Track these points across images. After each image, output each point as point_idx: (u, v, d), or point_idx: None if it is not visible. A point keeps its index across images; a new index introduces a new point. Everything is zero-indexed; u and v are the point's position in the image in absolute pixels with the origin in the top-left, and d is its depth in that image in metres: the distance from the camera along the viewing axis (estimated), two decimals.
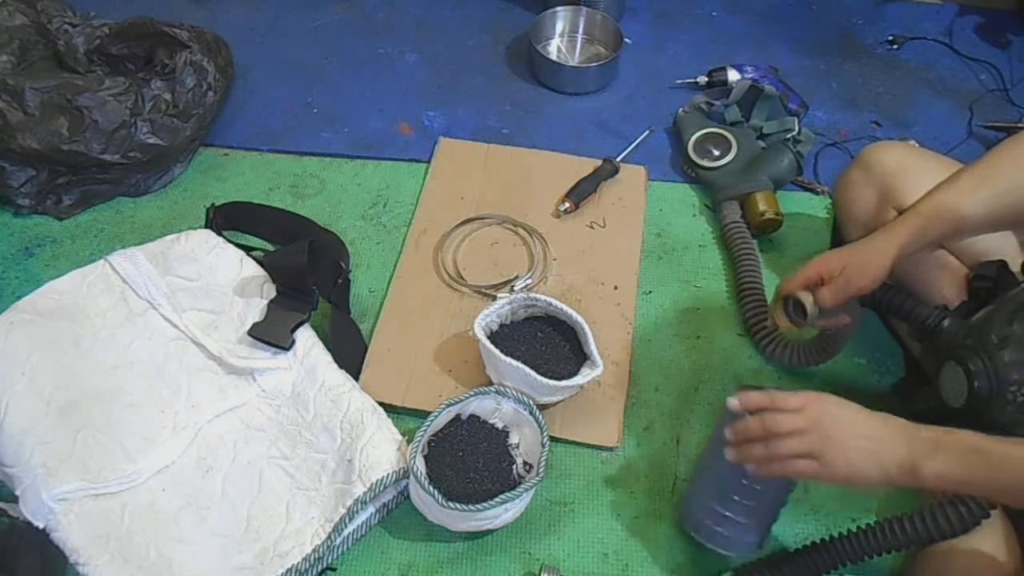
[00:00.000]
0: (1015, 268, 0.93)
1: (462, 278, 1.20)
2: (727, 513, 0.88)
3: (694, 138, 1.35)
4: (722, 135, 1.34)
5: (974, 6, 1.71)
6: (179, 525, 0.91)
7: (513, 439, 1.01)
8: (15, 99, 1.20)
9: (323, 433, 0.98)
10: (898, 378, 1.11)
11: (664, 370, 1.14)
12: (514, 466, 0.99)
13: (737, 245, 1.22)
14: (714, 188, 1.31)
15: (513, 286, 1.18)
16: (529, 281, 1.19)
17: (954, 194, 0.89)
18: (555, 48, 1.59)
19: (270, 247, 1.23)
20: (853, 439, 0.75)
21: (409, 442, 0.95)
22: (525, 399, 0.99)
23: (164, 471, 0.95)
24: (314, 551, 0.90)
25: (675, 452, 1.05)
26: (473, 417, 1.01)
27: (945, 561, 0.83)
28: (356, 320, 1.15)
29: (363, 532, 0.96)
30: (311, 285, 1.07)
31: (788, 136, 1.34)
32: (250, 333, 1.03)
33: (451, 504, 0.87)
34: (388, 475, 0.93)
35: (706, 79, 1.48)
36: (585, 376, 1.01)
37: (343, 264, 1.16)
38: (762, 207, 1.24)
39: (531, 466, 0.98)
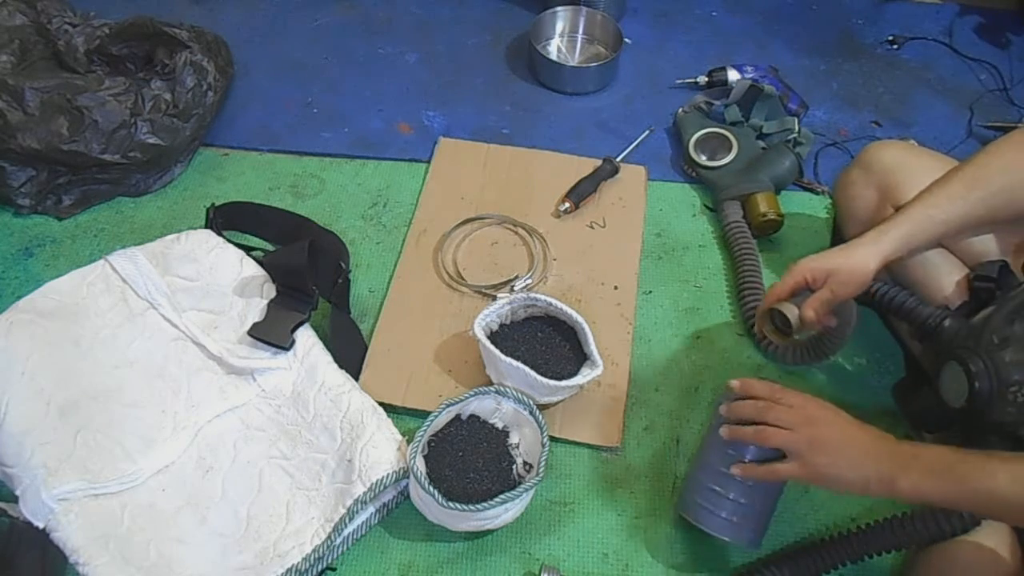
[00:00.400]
0: (1016, 268, 0.93)
1: (462, 278, 1.20)
2: (723, 491, 0.88)
3: (694, 138, 1.35)
4: (722, 135, 1.34)
5: (974, 6, 1.71)
6: (179, 525, 0.91)
7: (513, 439, 1.01)
8: (15, 99, 1.20)
9: (323, 433, 0.98)
10: (898, 378, 1.10)
11: (664, 370, 1.14)
12: (514, 466, 0.99)
13: (738, 245, 1.22)
14: (714, 188, 1.31)
15: (513, 286, 1.18)
16: (529, 281, 1.19)
17: (943, 198, 0.91)
18: (555, 48, 1.59)
19: (270, 247, 1.23)
20: (838, 445, 0.77)
21: (409, 442, 0.95)
22: (525, 399, 0.99)
23: (164, 471, 0.95)
24: (314, 551, 0.90)
25: (675, 452, 1.05)
26: (473, 417, 1.01)
27: (948, 556, 0.83)
28: (356, 320, 1.15)
29: (363, 532, 0.96)
30: (311, 285, 1.07)
31: (788, 136, 1.34)
32: (250, 333, 1.03)
33: (451, 504, 0.87)
34: (388, 475, 0.93)
35: (706, 79, 1.48)
36: (585, 376, 1.00)
37: (343, 264, 1.16)
38: (763, 208, 1.24)
39: (531, 466, 0.98)
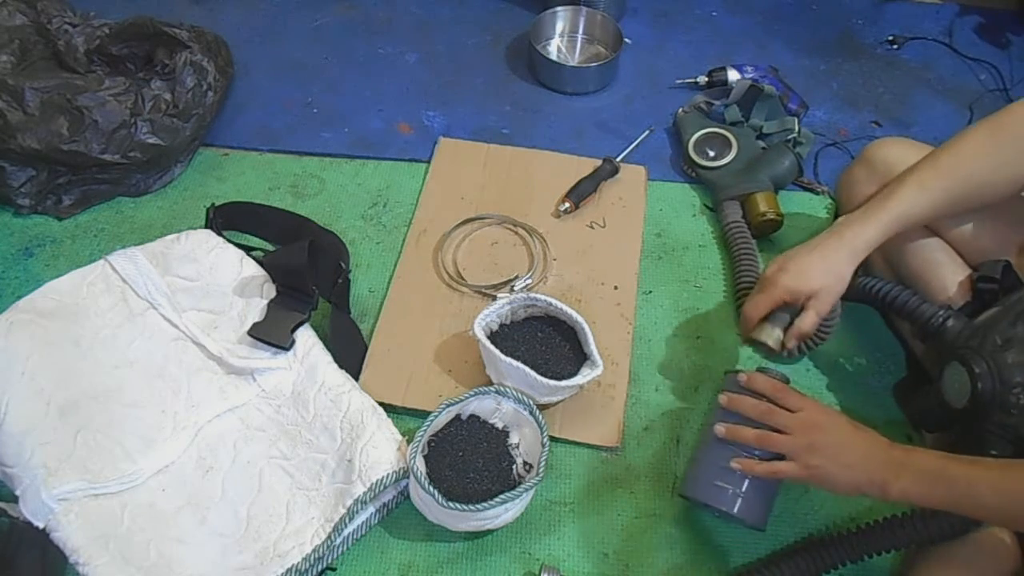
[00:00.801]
0: (1019, 268, 0.93)
1: (462, 278, 1.20)
2: (730, 469, 0.88)
3: (694, 138, 1.35)
4: (722, 135, 1.34)
5: (974, 6, 1.71)
6: (179, 525, 0.91)
7: (513, 439, 1.01)
8: (15, 99, 1.20)
9: (323, 433, 0.98)
10: (899, 378, 1.11)
11: (664, 370, 1.13)
12: (514, 466, 0.99)
13: (737, 244, 1.22)
14: (714, 188, 1.31)
15: (513, 286, 1.18)
16: (529, 281, 1.19)
17: (916, 188, 0.93)
18: (555, 48, 1.59)
19: (270, 247, 1.23)
20: (835, 450, 0.80)
21: (409, 442, 0.95)
22: (525, 399, 0.99)
23: (164, 471, 0.95)
24: (314, 551, 0.90)
25: (675, 452, 1.05)
26: (473, 417, 1.01)
27: (947, 555, 0.83)
28: (356, 320, 1.15)
29: (363, 532, 0.96)
30: (311, 285, 1.07)
31: (788, 136, 1.34)
32: (250, 333, 1.03)
33: (451, 504, 0.87)
34: (388, 475, 0.92)
35: (706, 79, 1.48)
36: (585, 376, 1.00)
37: (343, 264, 1.16)
38: (763, 207, 1.23)
39: (531, 466, 0.98)
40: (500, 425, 1.02)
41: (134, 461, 0.94)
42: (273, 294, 1.07)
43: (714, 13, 1.70)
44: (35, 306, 1.02)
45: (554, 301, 1.05)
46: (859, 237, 0.95)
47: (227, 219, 1.21)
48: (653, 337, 1.17)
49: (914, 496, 0.75)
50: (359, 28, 1.63)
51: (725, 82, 1.45)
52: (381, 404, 1.01)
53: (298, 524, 0.92)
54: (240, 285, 1.09)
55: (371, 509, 0.96)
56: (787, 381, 0.93)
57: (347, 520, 0.91)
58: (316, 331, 1.07)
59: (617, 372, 1.10)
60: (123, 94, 1.24)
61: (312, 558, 0.89)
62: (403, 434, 0.99)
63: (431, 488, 0.88)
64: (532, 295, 1.06)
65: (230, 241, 1.14)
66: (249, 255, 1.13)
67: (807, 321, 0.97)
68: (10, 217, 1.29)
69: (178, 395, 1.00)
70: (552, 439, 1.01)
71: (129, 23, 1.34)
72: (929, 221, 0.98)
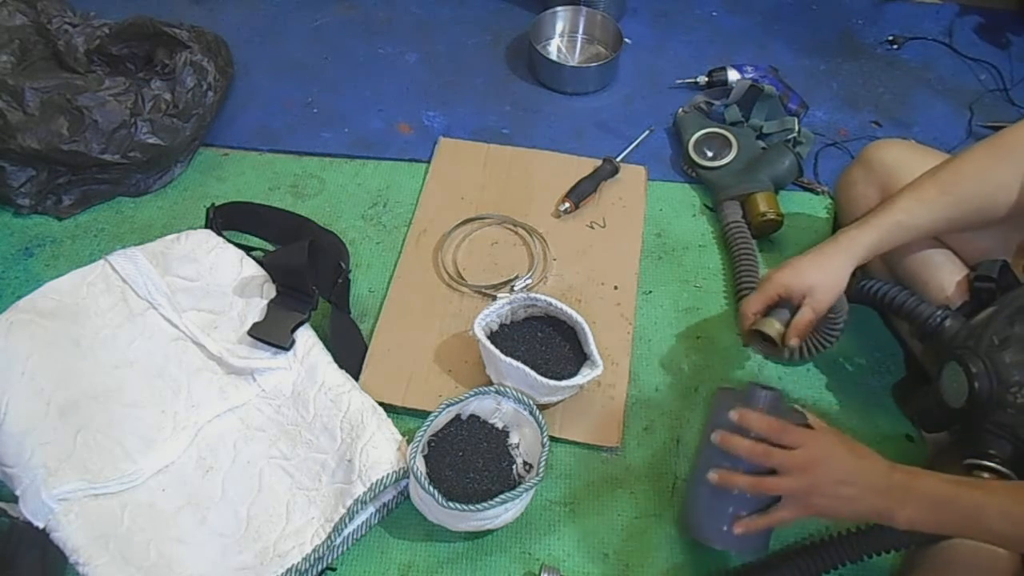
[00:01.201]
0: (1016, 269, 0.93)
1: (462, 278, 1.20)
2: (725, 503, 0.87)
3: (694, 138, 1.35)
4: (722, 135, 1.34)
5: (974, 6, 1.71)
6: (179, 525, 0.91)
7: (513, 439, 1.01)
8: (15, 99, 1.20)
9: (323, 433, 0.98)
10: (898, 378, 1.11)
11: (664, 370, 1.14)
12: (514, 466, 0.99)
13: (737, 244, 1.22)
14: (714, 188, 1.31)
15: (513, 286, 1.18)
16: (529, 281, 1.19)
17: (916, 202, 0.93)
18: (555, 48, 1.59)
19: (270, 247, 1.23)
20: (837, 487, 0.78)
21: (409, 442, 0.95)
22: (525, 399, 0.99)
23: (164, 471, 0.95)
24: (314, 551, 0.90)
25: (675, 452, 1.05)
26: (473, 417, 1.01)
27: (947, 555, 0.83)
28: (356, 320, 1.15)
29: (363, 532, 0.96)
30: (311, 285, 1.07)
31: (788, 136, 1.34)
32: (250, 333, 1.03)
33: (451, 504, 0.87)
34: (388, 475, 0.93)
35: (706, 79, 1.48)
36: (585, 376, 1.00)
37: (343, 264, 1.16)
38: (763, 207, 1.23)
39: (531, 466, 0.98)
40: (500, 425, 1.02)
41: (134, 461, 0.94)
42: (273, 294, 1.07)
43: (714, 13, 1.70)
44: (35, 306, 1.02)
45: (554, 301, 1.05)
46: (855, 241, 0.95)
47: (227, 219, 1.21)
48: (653, 337, 1.17)
49: (921, 524, 0.74)
50: (359, 28, 1.63)
51: (725, 82, 1.45)
52: (381, 404, 1.01)
53: (298, 524, 0.92)
54: (240, 285, 1.09)
55: (371, 509, 0.96)
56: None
57: (347, 520, 0.91)
58: (316, 331, 1.07)
59: (617, 372, 1.10)
60: (123, 94, 1.24)
61: (312, 558, 0.89)
62: (403, 434, 0.99)
63: (431, 488, 0.88)
64: (532, 295, 1.06)
65: (230, 241, 1.14)
66: (249, 255, 1.13)
67: (804, 317, 0.96)
68: (10, 217, 1.29)
69: (178, 395, 1.00)
70: (552, 439, 1.01)
71: (129, 23, 1.34)
72: (927, 235, 0.97)
